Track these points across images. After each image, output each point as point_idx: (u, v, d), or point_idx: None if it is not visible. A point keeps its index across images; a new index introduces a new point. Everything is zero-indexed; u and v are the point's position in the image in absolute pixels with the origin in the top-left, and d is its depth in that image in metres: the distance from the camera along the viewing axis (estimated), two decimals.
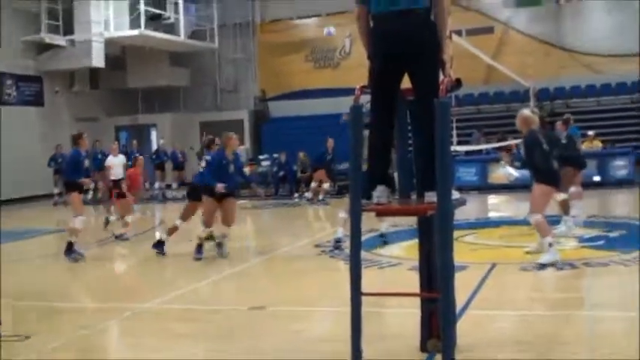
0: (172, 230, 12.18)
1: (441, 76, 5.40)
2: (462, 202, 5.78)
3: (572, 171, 12.27)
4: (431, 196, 5.28)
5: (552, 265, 9.55)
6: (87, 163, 12.43)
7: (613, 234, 12.18)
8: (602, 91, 27.61)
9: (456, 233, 11.21)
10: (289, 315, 7.95)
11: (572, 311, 7.73)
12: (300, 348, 6.51)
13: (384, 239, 12.02)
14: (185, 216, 12.24)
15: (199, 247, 11.46)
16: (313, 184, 21.01)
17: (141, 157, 16.00)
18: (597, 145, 21.79)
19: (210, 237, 11.81)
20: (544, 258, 9.64)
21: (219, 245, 11.57)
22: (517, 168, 11.28)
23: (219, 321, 7.86)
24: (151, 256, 11.91)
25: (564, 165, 11.28)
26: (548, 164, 9.86)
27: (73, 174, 12.03)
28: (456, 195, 5.46)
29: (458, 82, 5.48)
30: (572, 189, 12.53)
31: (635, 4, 27.38)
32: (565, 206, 12.04)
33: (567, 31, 28.43)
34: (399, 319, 7.32)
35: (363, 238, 11.82)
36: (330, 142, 20.85)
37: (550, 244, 9.72)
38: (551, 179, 9.92)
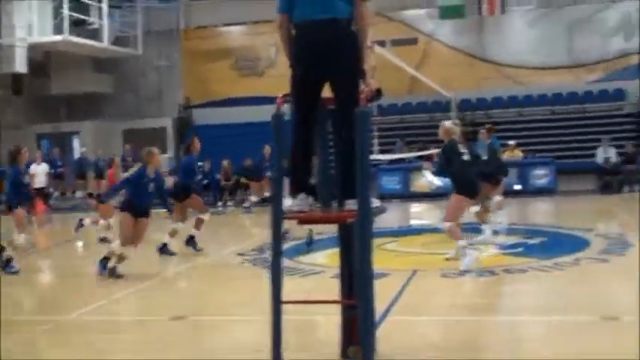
0: (172, 233, 12.52)
1: (362, 86, 5.47)
2: (381, 210, 5.84)
3: (491, 184, 12.50)
4: (351, 204, 5.34)
5: (472, 269, 9.76)
6: (27, 178, 12.09)
7: (532, 241, 12.46)
8: (524, 102, 28.26)
9: (378, 241, 11.43)
10: (210, 324, 7.91)
11: (491, 317, 7.89)
12: (220, 357, 6.48)
13: (309, 245, 12.10)
14: (181, 217, 12.63)
15: (104, 262, 10.67)
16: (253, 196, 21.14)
17: (117, 157, 15.71)
18: (518, 154, 22.28)
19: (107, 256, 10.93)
20: (464, 264, 9.84)
21: (105, 260, 10.78)
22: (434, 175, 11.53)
23: (140, 332, 7.77)
24: (73, 266, 11.67)
25: (485, 176, 11.57)
26: (466, 175, 10.10)
27: (17, 193, 11.52)
28: (376, 203, 5.53)
29: (378, 92, 5.55)
30: (496, 198, 12.80)
31: (558, 18, 28.25)
32: (482, 216, 12.26)
33: (490, 44, 29.06)
34: (321, 327, 7.36)
35: (287, 246, 11.91)
36: (267, 150, 20.86)
37: (464, 247, 9.98)
38: (466, 190, 10.17)
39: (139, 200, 10.74)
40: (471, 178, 10.18)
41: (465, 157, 10.14)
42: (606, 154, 23.02)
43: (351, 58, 5.41)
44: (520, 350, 6.42)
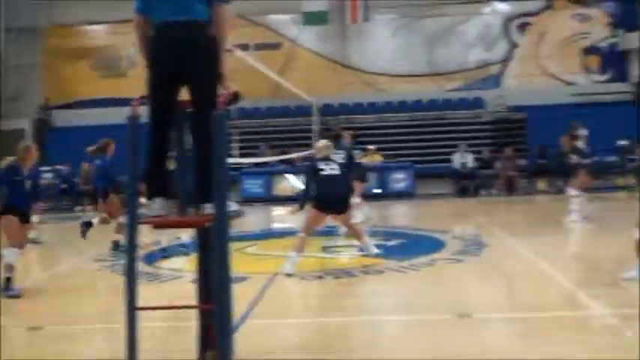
0: (102, 220, 12.59)
1: (221, 89, 5.46)
2: (239, 214, 5.85)
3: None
4: (208, 208, 5.31)
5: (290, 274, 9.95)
6: None
7: (391, 243, 12.74)
8: (385, 108, 28.90)
9: (240, 244, 11.43)
10: (67, 334, 7.67)
11: (349, 317, 7.98)
12: None
13: (165, 254, 12.11)
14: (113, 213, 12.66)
15: (8, 282, 9.50)
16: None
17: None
18: (378, 159, 22.74)
19: None
20: (285, 267, 10.10)
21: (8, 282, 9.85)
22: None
23: None
24: None
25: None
26: (321, 191, 10.40)
27: None
28: (233, 206, 5.52)
29: (236, 96, 5.55)
30: (354, 200, 13.07)
31: (419, 28, 29.11)
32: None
33: (353, 51, 29.59)
34: (180, 333, 7.27)
35: (144, 251, 11.72)
36: None
37: (292, 258, 10.17)
38: (318, 205, 10.43)
39: (18, 199, 9.78)
40: (323, 195, 10.37)
41: (325, 173, 10.41)
42: (463, 159, 23.85)
43: (209, 61, 5.38)
44: (377, 349, 6.53)
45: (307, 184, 10.74)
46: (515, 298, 8.80)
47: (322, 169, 10.44)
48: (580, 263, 11.07)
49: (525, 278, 9.66)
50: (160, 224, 5.65)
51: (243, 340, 6.14)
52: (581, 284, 8.89)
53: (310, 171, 10.70)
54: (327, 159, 10.68)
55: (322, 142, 11.11)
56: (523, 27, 29.77)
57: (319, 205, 10.39)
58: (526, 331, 7.05)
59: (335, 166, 10.56)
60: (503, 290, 9.25)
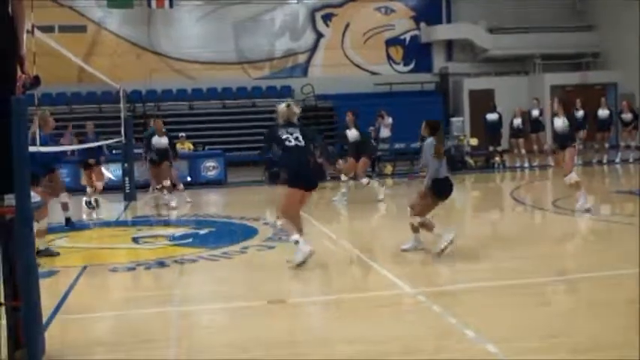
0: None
1: (19, 73, 5.17)
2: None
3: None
4: (10, 199, 5.01)
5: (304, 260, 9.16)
6: None
7: (202, 231, 12.63)
8: (194, 95, 28.67)
9: (48, 237, 10.90)
10: None
11: (163, 308, 7.80)
12: None
13: None
14: None
15: None
16: None
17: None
18: (189, 146, 22.51)
19: None
20: (296, 257, 9.21)
21: None
22: None
23: None
24: None
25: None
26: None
27: None
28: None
29: (36, 80, 5.28)
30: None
31: (225, 16, 29.03)
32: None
33: (159, 36, 29.13)
34: None
35: None
36: None
37: (297, 242, 9.25)
38: (285, 180, 9.58)
39: None
40: (294, 169, 9.30)
41: (292, 144, 9.14)
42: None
43: (4, 43, 5.06)
44: (192, 340, 6.45)
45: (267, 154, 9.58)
46: (328, 282, 8.95)
47: (287, 139, 9.09)
48: (386, 247, 11.38)
49: (337, 262, 9.86)
50: None
51: (53, 337, 5.91)
52: (389, 266, 9.17)
53: (272, 141, 9.29)
54: (289, 125, 9.28)
55: (286, 103, 9.56)
56: (328, 18, 30.45)
57: (293, 181, 9.16)
58: (340, 312, 7.20)
59: (298, 134, 9.19)
60: (316, 275, 9.35)
